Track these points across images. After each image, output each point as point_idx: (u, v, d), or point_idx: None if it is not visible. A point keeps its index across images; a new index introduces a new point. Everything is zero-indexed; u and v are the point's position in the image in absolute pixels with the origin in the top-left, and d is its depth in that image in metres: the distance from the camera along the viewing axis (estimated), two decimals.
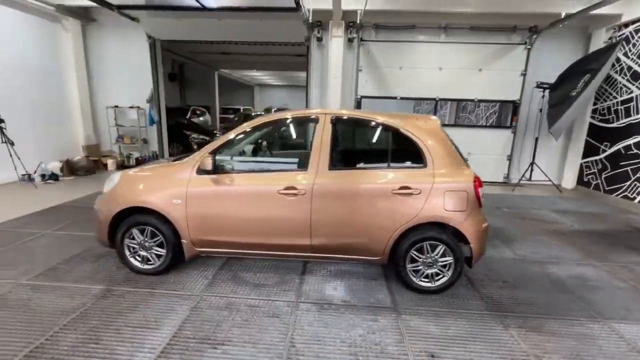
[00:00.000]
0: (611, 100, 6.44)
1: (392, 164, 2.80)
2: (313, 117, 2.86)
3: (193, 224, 2.78)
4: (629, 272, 3.34)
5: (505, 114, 7.71)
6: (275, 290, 2.80)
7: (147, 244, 2.89)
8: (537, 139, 7.28)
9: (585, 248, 3.92)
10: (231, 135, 2.84)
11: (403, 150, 2.80)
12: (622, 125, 6.16)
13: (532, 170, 7.33)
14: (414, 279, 2.77)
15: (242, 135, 2.88)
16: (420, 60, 7.30)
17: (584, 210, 5.62)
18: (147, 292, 2.71)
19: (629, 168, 6.00)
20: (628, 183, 6.00)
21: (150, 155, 8.05)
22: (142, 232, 2.86)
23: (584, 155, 7.07)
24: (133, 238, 2.89)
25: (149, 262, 2.94)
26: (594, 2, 5.63)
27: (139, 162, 7.76)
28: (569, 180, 7.40)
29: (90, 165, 7.24)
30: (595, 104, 6.81)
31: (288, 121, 3.00)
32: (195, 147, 9.62)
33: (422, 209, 2.61)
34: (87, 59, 7.67)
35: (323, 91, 7.64)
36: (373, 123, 2.87)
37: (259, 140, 3.44)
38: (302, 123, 3.00)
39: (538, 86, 6.83)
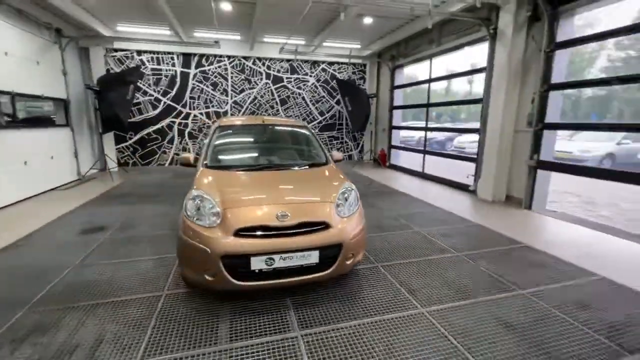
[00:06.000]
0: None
1: None
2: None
3: None
4: None
5: (60, 111, 7.47)
6: None
7: None
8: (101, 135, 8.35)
9: None
10: None
11: None
12: (139, 120, 9.43)
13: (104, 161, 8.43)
14: None
15: None
16: None
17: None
18: None
19: (154, 146, 9.72)
20: (155, 157, 9.79)
21: None
22: None
23: (117, 142, 9.36)
24: None
25: None
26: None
27: None
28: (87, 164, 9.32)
29: None
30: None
31: None
32: None
33: None
34: None
35: None
36: None
37: None
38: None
39: (88, 87, 7.79)
